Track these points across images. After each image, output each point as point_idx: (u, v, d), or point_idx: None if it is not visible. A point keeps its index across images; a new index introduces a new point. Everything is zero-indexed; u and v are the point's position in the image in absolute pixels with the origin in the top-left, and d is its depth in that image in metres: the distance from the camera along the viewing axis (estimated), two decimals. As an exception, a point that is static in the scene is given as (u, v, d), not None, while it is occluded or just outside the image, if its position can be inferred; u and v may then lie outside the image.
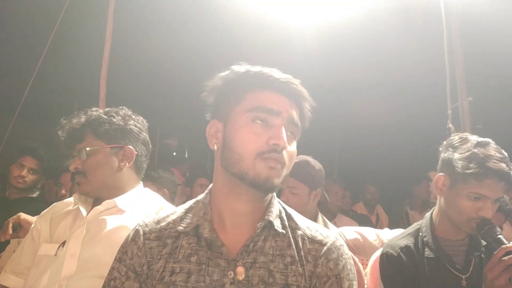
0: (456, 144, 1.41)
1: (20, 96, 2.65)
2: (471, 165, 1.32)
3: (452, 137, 1.47)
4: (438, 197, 1.52)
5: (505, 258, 1.19)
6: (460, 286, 1.38)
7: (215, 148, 0.96)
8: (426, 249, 1.44)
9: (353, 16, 3.05)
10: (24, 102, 2.65)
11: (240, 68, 0.96)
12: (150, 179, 2.43)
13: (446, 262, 1.41)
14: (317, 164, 2.05)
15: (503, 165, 1.31)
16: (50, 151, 2.73)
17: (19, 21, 3.34)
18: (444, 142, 1.49)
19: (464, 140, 1.41)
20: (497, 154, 1.33)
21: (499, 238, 1.28)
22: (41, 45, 2.62)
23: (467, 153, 1.35)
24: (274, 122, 0.90)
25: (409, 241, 1.49)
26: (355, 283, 0.96)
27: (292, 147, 0.94)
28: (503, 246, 1.24)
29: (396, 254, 1.45)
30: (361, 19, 3.07)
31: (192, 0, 3.00)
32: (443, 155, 1.47)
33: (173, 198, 2.62)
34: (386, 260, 1.47)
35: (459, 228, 1.42)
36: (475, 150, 1.34)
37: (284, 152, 0.90)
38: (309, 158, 2.05)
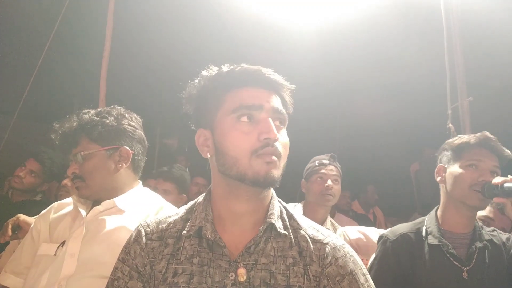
0: (447, 143, 1.59)
1: (20, 96, 2.64)
2: (460, 140, 1.51)
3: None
4: (441, 190, 1.55)
5: None
6: (461, 278, 1.38)
7: (208, 156, 0.96)
8: (430, 236, 1.46)
9: (353, 17, 3.05)
10: (24, 102, 2.65)
11: (210, 72, 0.96)
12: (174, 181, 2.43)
13: (449, 249, 1.41)
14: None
15: (487, 134, 1.48)
16: (56, 155, 2.72)
17: (19, 21, 3.34)
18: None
19: (451, 139, 1.60)
20: (480, 135, 1.49)
21: (507, 186, 1.34)
22: (41, 45, 2.62)
23: (456, 140, 1.55)
24: (260, 117, 0.90)
25: (411, 230, 1.51)
26: (368, 277, 0.96)
27: (283, 136, 0.93)
28: None
29: (393, 238, 1.49)
30: (361, 19, 3.07)
31: (192, 0, 3.00)
32: (439, 157, 1.61)
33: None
34: (382, 243, 1.52)
35: (465, 204, 1.43)
36: (461, 135, 1.57)
37: (277, 143, 0.89)
38: None
